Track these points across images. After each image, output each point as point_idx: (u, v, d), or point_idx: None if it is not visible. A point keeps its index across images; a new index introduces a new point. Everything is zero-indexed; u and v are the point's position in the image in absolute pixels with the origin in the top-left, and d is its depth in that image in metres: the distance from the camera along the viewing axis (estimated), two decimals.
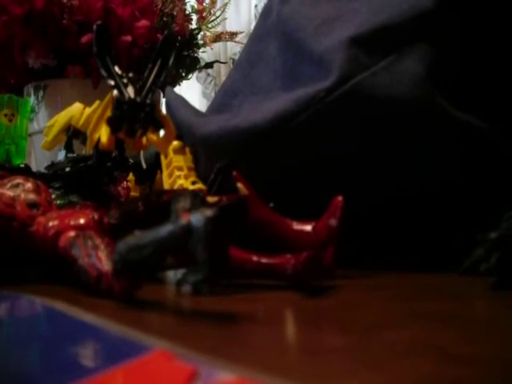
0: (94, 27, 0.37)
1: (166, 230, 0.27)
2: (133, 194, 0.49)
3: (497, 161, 0.44)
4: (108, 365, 0.19)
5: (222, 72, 1.88)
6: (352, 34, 0.42)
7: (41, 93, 0.99)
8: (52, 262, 0.36)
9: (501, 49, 0.45)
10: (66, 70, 0.98)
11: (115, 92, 0.36)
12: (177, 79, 1.16)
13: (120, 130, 0.36)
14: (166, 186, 0.47)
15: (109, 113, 0.36)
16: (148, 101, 0.36)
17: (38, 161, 0.99)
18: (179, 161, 0.48)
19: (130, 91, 0.36)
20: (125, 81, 0.36)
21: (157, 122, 0.36)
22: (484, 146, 0.43)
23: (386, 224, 0.45)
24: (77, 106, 0.48)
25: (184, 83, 1.21)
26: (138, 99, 0.36)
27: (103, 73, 0.36)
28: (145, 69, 0.37)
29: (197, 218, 0.26)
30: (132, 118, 0.36)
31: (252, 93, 0.51)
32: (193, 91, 1.88)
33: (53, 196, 0.42)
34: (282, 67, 0.49)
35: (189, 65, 1.16)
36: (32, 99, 0.99)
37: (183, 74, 1.17)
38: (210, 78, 1.92)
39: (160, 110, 0.38)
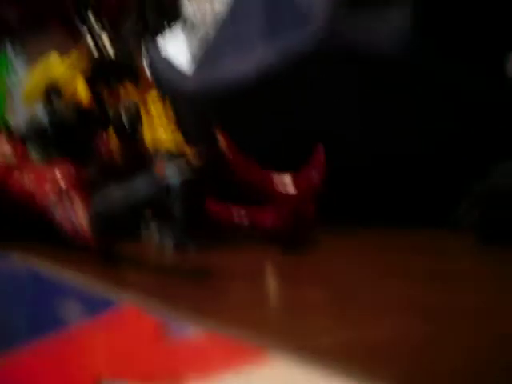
0: None
1: (140, 184, 0.27)
2: (112, 148, 0.49)
3: (490, 111, 0.43)
4: (83, 318, 0.19)
5: (208, 24, 1.85)
6: None
7: (19, 47, 0.97)
8: (29, 218, 0.36)
9: None
10: (46, 25, 0.96)
11: (92, 45, 0.35)
12: (159, 30, 1.13)
13: (97, 84, 0.35)
14: (147, 136, 0.47)
15: (85, 67, 0.36)
16: (126, 54, 0.35)
17: (17, 116, 0.98)
18: (158, 109, 0.47)
19: (107, 44, 0.35)
20: (102, 35, 0.36)
21: (133, 74, 0.36)
22: (476, 96, 0.42)
23: (374, 181, 0.44)
24: (54, 59, 0.47)
25: (168, 36, 1.19)
26: (116, 52, 0.35)
27: (81, 27, 0.36)
28: (124, 22, 0.37)
29: (173, 171, 0.25)
30: (109, 71, 0.35)
31: (234, 47, 0.50)
32: (177, 44, 1.86)
33: (32, 152, 0.41)
34: (264, 20, 0.48)
35: (172, 16, 1.13)
36: (10, 54, 0.97)
37: (166, 26, 1.14)
38: (194, 30, 1.89)
39: (137, 61, 0.37)
